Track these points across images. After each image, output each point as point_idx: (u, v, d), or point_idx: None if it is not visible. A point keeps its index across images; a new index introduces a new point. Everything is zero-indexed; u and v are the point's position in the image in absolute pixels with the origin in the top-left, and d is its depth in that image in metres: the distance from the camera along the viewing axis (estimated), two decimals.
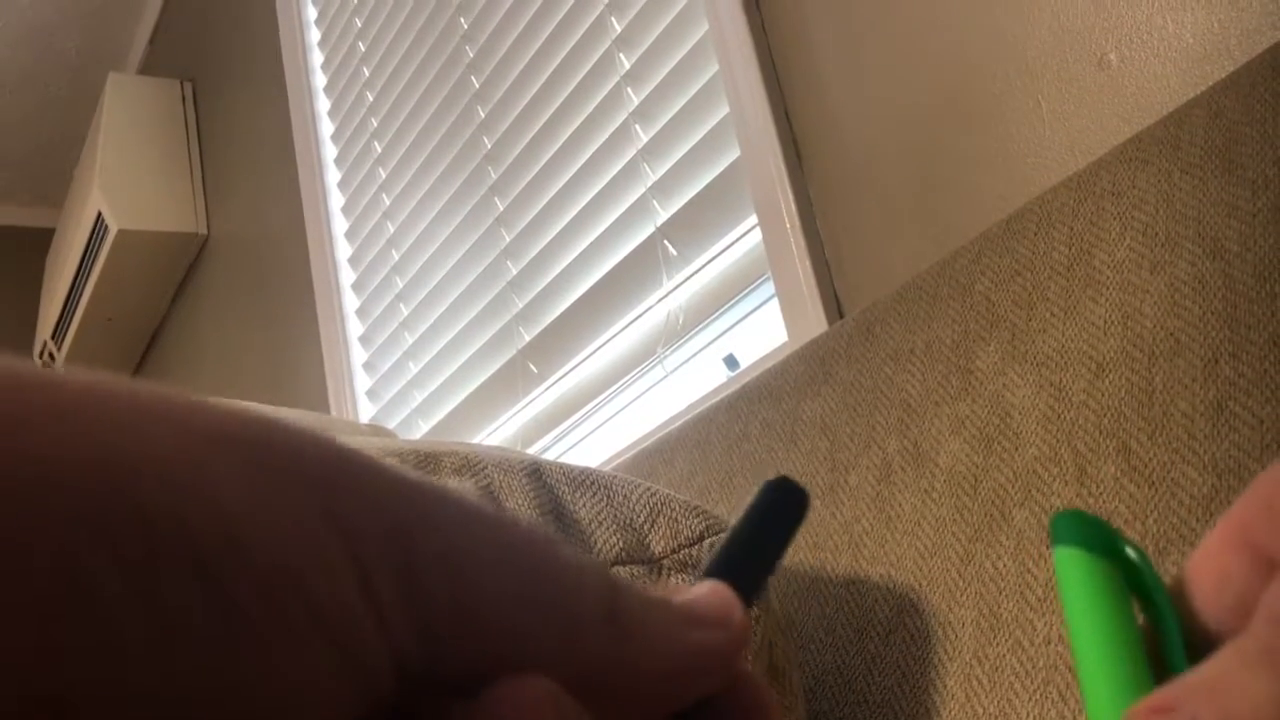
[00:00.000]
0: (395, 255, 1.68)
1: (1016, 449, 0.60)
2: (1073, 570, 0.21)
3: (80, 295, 2.60)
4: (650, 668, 0.17)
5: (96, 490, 0.13)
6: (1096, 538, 0.22)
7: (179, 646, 0.13)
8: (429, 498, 0.16)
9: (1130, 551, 0.22)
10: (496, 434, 1.47)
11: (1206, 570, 0.21)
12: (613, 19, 1.25)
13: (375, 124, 1.75)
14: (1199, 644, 0.21)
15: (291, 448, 0.15)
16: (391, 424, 1.68)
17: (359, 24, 1.81)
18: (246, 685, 0.13)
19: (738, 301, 1.10)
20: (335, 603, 0.14)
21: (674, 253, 1.16)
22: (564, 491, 0.59)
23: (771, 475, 0.22)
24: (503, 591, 0.16)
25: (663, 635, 0.18)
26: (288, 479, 0.15)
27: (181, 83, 2.58)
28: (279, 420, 0.16)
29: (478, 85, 1.49)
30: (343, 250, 1.85)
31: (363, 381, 1.78)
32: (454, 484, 0.56)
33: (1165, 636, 0.21)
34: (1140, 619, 0.21)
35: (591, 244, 1.27)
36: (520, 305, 1.39)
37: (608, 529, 0.58)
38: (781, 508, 0.22)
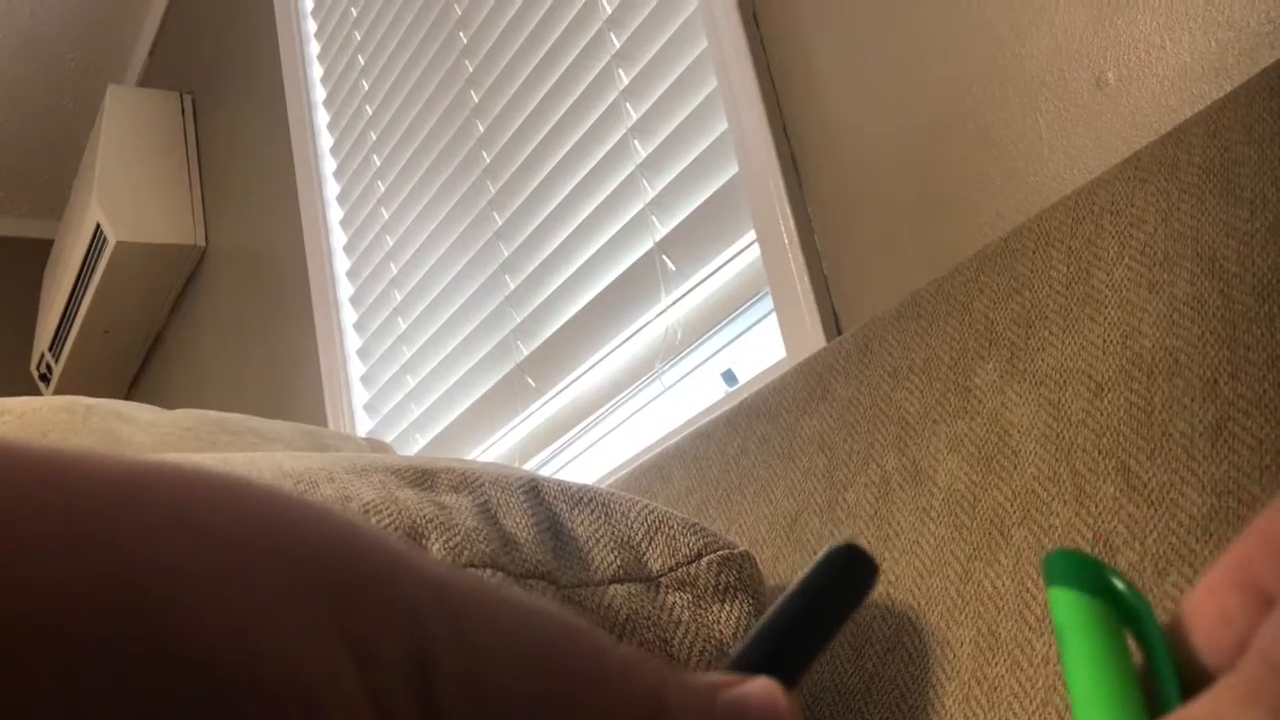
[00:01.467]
0: (393, 269, 1.68)
1: (1015, 468, 0.60)
2: (1068, 612, 0.21)
3: (78, 307, 2.60)
4: None
5: (103, 621, 0.12)
6: (1091, 578, 0.21)
7: None
8: (454, 602, 0.15)
9: (1125, 590, 0.21)
10: (494, 448, 1.47)
11: (1207, 609, 0.21)
12: (612, 34, 1.25)
13: (374, 137, 1.75)
14: (1197, 685, 0.20)
15: (316, 556, 0.14)
16: (389, 437, 1.67)
17: (359, 37, 1.82)
18: None
19: (736, 317, 1.10)
20: None
21: (672, 268, 1.16)
22: (562, 509, 0.59)
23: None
24: (533, 696, 0.15)
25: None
26: (310, 597, 0.14)
27: (181, 95, 2.58)
28: (305, 513, 0.15)
29: (476, 99, 1.49)
30: (341, 263, 1.85)
31: (360, 395, 1.78)
32: (452, 501, 0.56)
33: (1160, 677, 0.21)
34: (1137, 657, 0.21)
35: (590, 259, 1.27)
36: (518, 319, 1.39)
37: (605, 546, 0.58)
38: (846, 579, 0.20)
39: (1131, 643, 0.21)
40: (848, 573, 0.20)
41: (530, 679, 0.15)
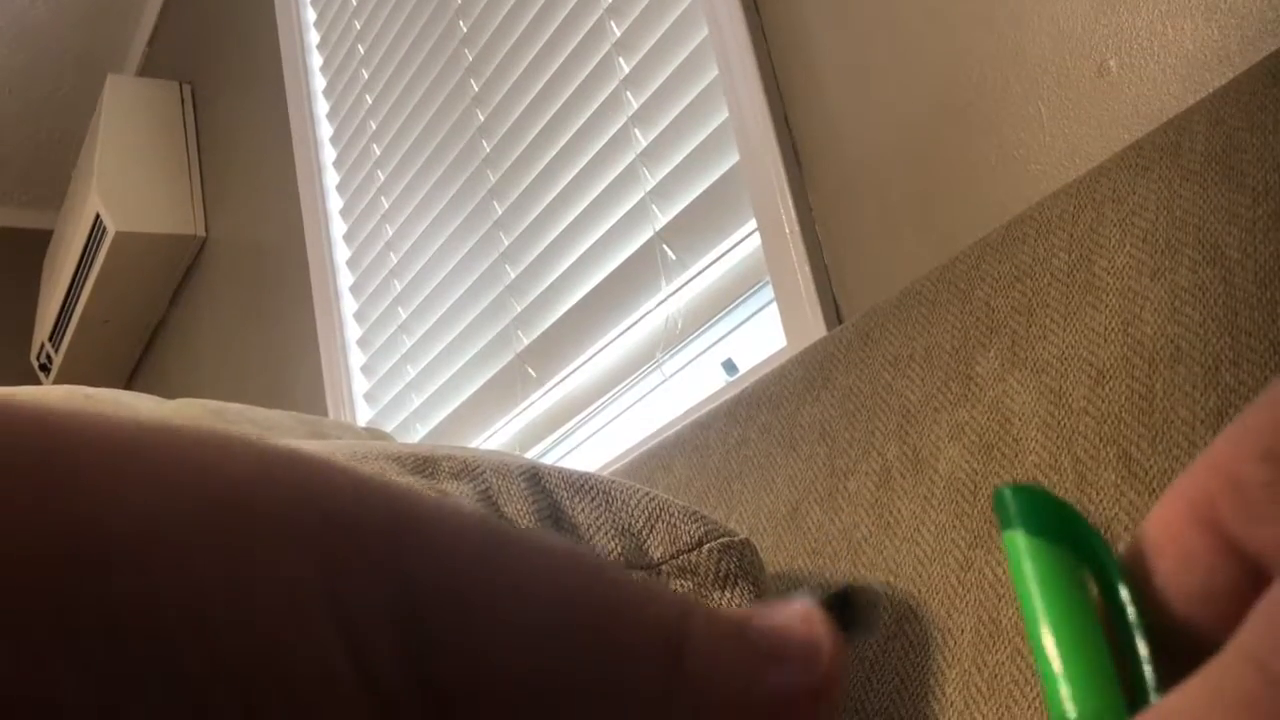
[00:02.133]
0: (394, 258, 1.68)
1: (1016, 455, 0.60)
2: (1028, 560, 0.20)
3: (78, 296, 2.60)
4: (714, 716, 0.14)
5: (56, 581, 0.11)
6: (1050, 519, 0.20)
7: None
8: (442, 536, 0.14)
9: (1088, 533, 0.20)
10: (494, 438, 1.47)
11: (1167, 547, 0.20)
12: (612, 23, 1.25)
13: (374, 127, 1.75)
14: (1163, 633, 0.19)
15: (289, 502, 0.13)
16: (389, 427, 1.67)
17: (358, 26, 1.81)
18: None
19: (737, 306, 1.10)
20: (328, 694, 0.13)
21: (673, 257, 1.16)
22: (562, 496, 0.59)
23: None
24: (536, 629, 0.14)
25: (734, 674, 0.15)
26: (282, 549, 0.13)
27: (180, 85, 2.58)
28: (279, 461, 0.14)
29: (477, 88, 1.49)
30: (341, 253, 1.85)
31: (360, 384, 1.77)
32: (453, 488, 0.56)
33: (1125, 627, 0.20)
34: (1095, 594, 0.20)
35: (590, 248, 1.27)
36: (519, 309, 1.39)
37: (606, 534, 0.58)
38: (848, 627, 0.18)
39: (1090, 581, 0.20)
40: (851, 618, 0.19)
41: (532, 610, 0.14)
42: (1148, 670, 0.19)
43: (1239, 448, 0.19)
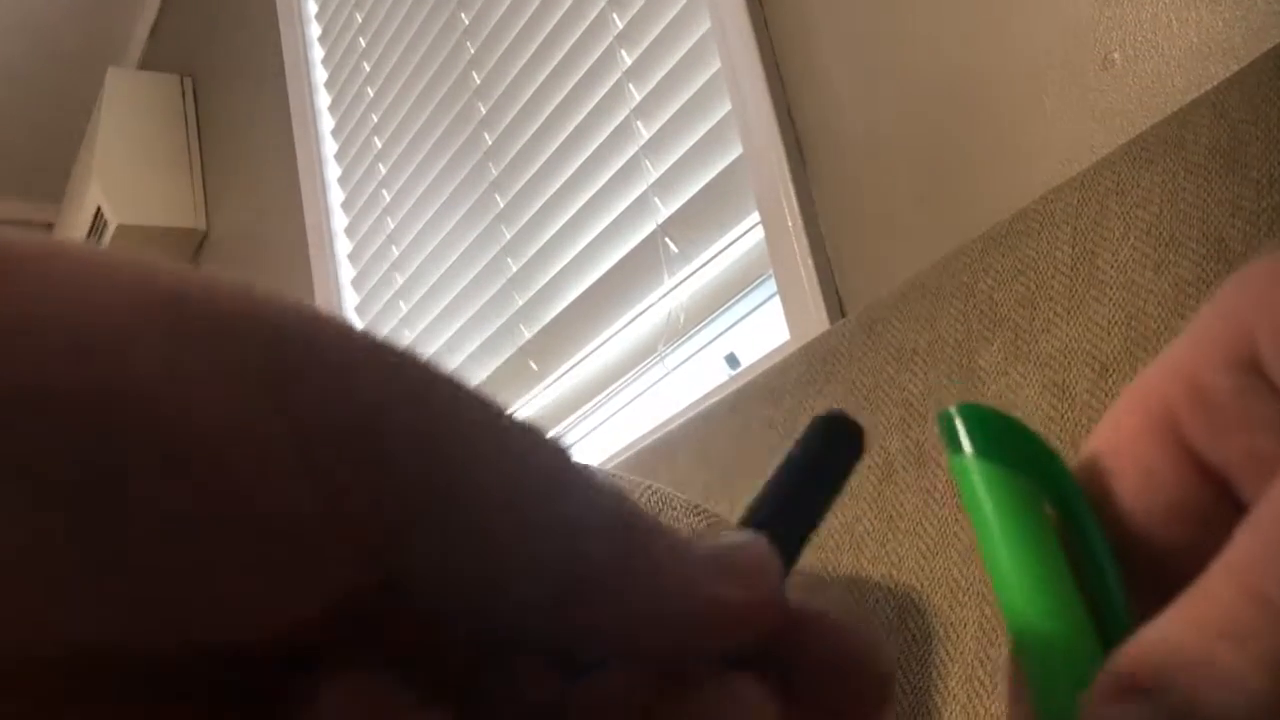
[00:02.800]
0: (395, 251, 1.68)
1: None
2: (979, 486, 0.18)
3: None
4: (649, 611, 0.15)
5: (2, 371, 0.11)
6: (1002, 440, 0.18)
7: (84, 538, 0.11)
8: (409, 376, 0.14)
9: (1040, 451, 0.19)
10: None
11: (1128, 461, 0.18)
12: (614, 15, 1.24)
13: (375, 120, 1.74)
14: (1126, 547, 0.18)
15: (233, 304, 0.13)
16: None
17: (359, 19, 1.81)
18: (180, 592, 0.12)
19: (739, 300, 1.10)
20: (281, 504, 0.13)
21: (675, 250, 1.15)
22: None
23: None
24: (490, 495, 0.14)
25: (676, 579, 0.15)
26: (221, 341, 0.13)
27: (181, 78, 2.57)
28: (229, 284, 0.13)
29: (479, 81, 1.49)
30: (342, 246, 1.85)
31: None
32: None
33: (1088, 549, 0.18)
34: (1054, 519, 0.19)
35: (592, 241, 1.27)
36: (520, 302, 1.39)
37: None
38: (833, 449, 0.19)
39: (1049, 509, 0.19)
40: (833, 441, 0.19)
41: (490, 477, 0.14)
42: (1118, 596, 0.18)
43: (1202, 356, 0.18)
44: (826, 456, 0.19)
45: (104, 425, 0.12)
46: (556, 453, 0.15)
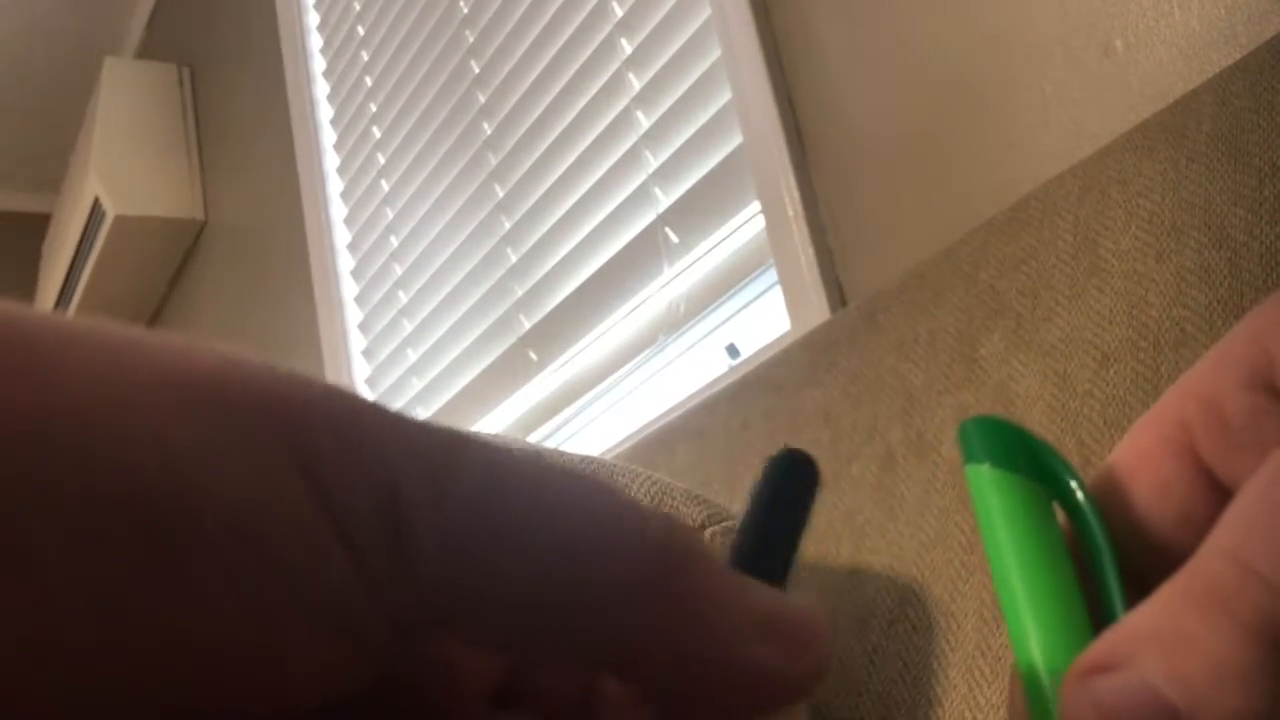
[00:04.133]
0: (394, 242, 1.68)
1: None
2: (994, 494, 0.19)
3: (77, 281, 2.59)
4: (682, 668, 0.14)
5: (36, 440, 0.12)
6: (1016, 450, 0.19)
7: (129, 614, 0.12)
8: (426, 443, 0.14)
9: (1054, 464, 0.19)
10: (496, 422, 1.47)
11: (1143, 475, 0.19)
12: (614, 3, 1.24)
13: (374, 109, 1.74)
14: (1136, 562, 0.18)
15: (261, 384, 0.13)
16: None
17: (357, 8, 1.80)
18: (212, 650, 0.12)
19: (739, 290, 1.10)
20: (313, 569, 0.13)
21: (675, 240, 1.15)
22: None
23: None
24: (521, 549, 0.14)
25: (722, 635, 0.14)
26: (252, 419, 0.13)
27: (179, 67, 2.57)
28: (249, 359, 0.14)
29: (478, 70, 1.48)
30: (341, 236, 1.84)
31: (361, 369, 1.77)
32: None
33: (1096, 559, 0.18)
34: (1063, 524, 0.19)
35: (592, 231, 1.26)
36: (520, 292, 1.39)
37: None
38: (791, 486, 0.19)
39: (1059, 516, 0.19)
40: (790, 479, 0.19)
41: (517, 520, 0.14)
42: (1118, 602, 0.18)
43: (1219, 376, 0.18)
44: (788, 491, 0.19)
45: (146, 506, 0.12)
46: (596, 497, 0.14)
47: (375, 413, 0.14)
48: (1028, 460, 0.19)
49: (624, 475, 0.60)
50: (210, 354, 0.13)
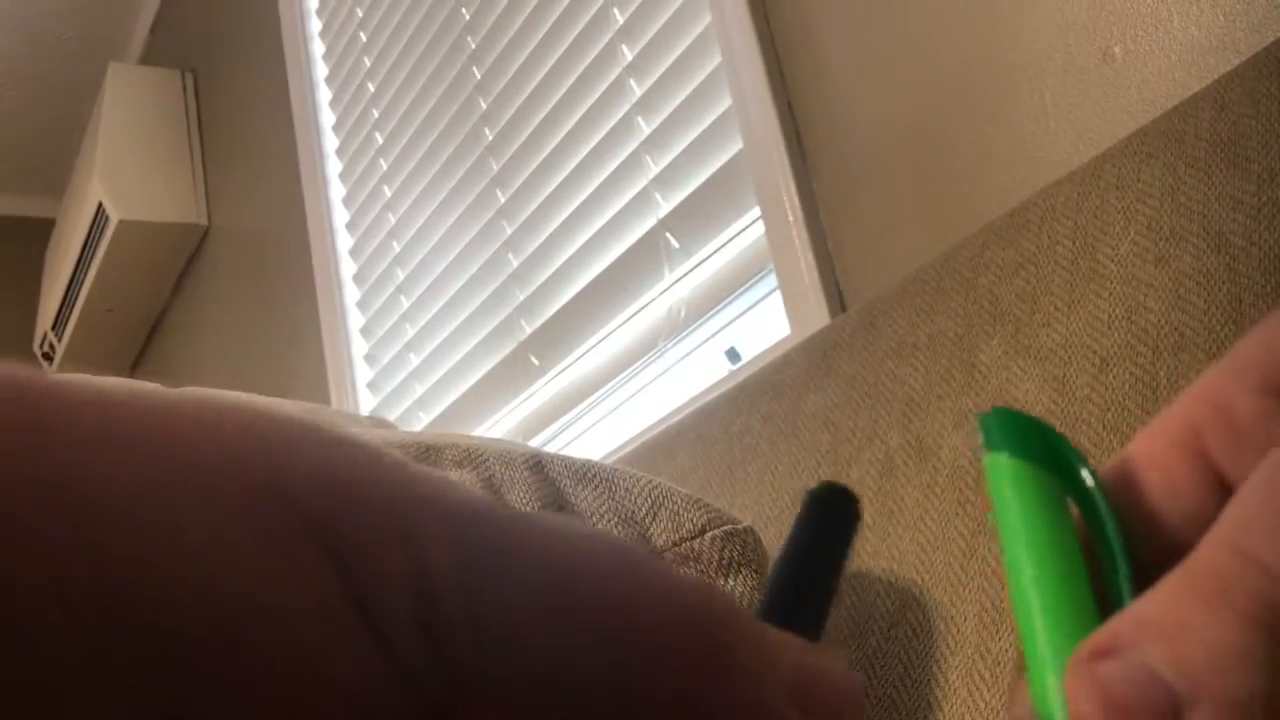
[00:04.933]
0: (396, 247, 1.68)
1: None
2: (1009, 483, 0.19)
3: (81, 286, 2.60)
4: None
5: (52, 532, 0.11)
6: (1034, 442, 0.19)
7: (139, 710, 0.11)
8: (454, 516, 0.14)
9: (1072, 459, 0.19)
10: (498, 426, 1.47)
11: (1151, 475, 0.19)
12: (615, 10, 1.24)
13: (377, 115, 1.74)
14: (1146, 560, 0.18)
15: (290, 471, 0.13)
16: (392, 416, 1.68)
17: (360, 14, 1.81)
18: None
19: (740, 294, 1.10)
20: (338, 661, 0.12)
21: (676, 245, 1.15)
22: (566, 484, 0.59)
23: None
24: (555, 623, 0.13)
25: (757, 704, 0.14)
26: (272, 506, 0.12)
27: (182, 73, 2.57)
28: (277, 430, 0.13)
29: (479, 76, 1.49)
30: (344, 242, 1.85)
31: (364, 373, 1.78)
32: (456, 476, 0.56)
33: (1108, 553, 0.19)
34: (1076, 517, 0.19)
35: (593, 236, 1.27)
36: (522, 297, 1.39)
37: (609, 522, 0.58)
38: (831, 525, 0.19)
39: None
40: (831, 515, 0.19)
41: (549, 600, 0.14)
42: (1128, 596, 0.18)
43: (1231, 380, 0.19)
44: (827, 531, 0.19)
45: (158, 597, 0.11)
46: (629, 565, 0.14)
47: (401, 481, 0.13)
48: (1045, 452, 0.19)
49: (625, 479, 0.61)
50: (236, 427, 0.13)
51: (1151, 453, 0.19)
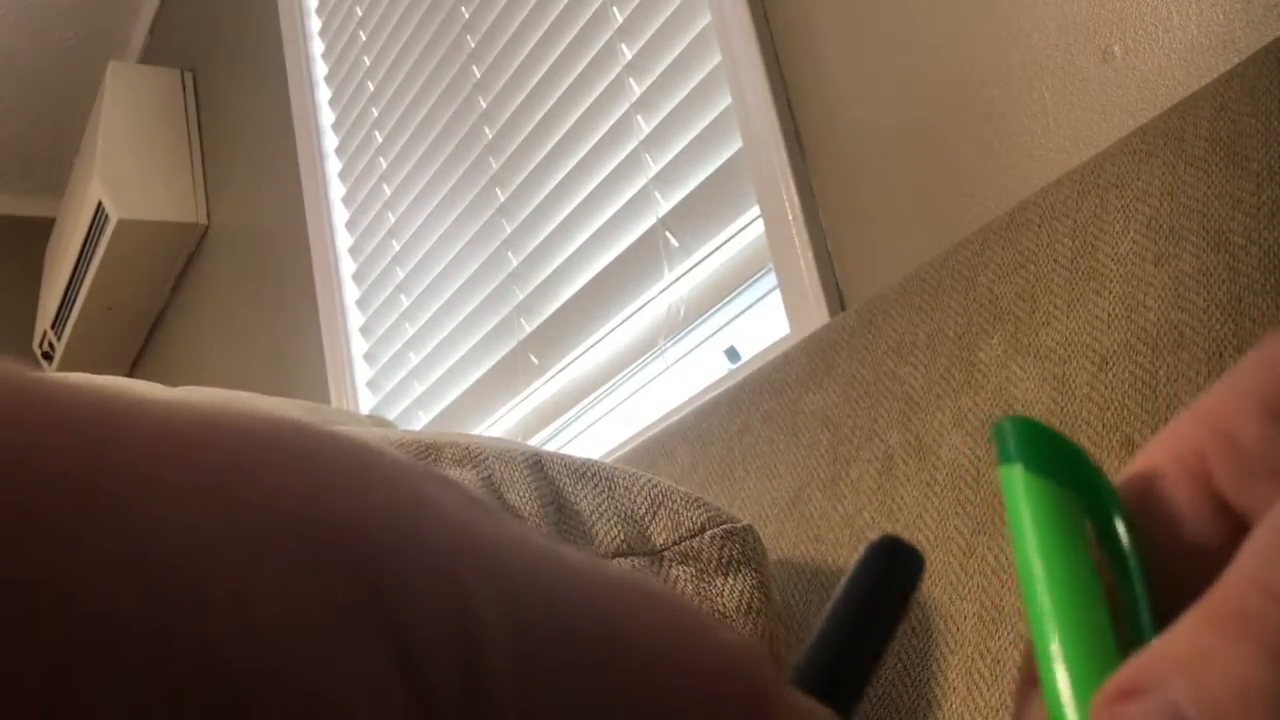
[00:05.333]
0: (396, 246, 1.68)
1: None
2: (1023, 497, 0.19)
3: (80, 285, 2.60)
4: None
5: (101, 606, 0.11)
6: (1054, 457, 0.19)
7: None
8: (500, 565, 0.13)
9: (1093, 476, 0.19)
10: (497, 425, 1.47)
11: (1152, 502, 0.19)
12: (614, 9, 1.24)
13: (376, 114, 1.74)
14: (1156, 588, 0.18)
15: (341, 525, 0.13)
16: (392, 415, 1.68)
17: (360, 13, 1.81)
18: None
19: (739, 293, 1.10)
20: (379, 707, 0.12)
21: (675, 244, 1.15)
22: (565, 483, 0.59)
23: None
24: (596, 675, 0.13)
25: None
26: (331, 563, 0.12)
27: (182, 72, 2.57)
28: (316, 462, 0.13)
29: (479, 75, 1.48)
30: (343, 240, 1.85)
31: (363, 372, 1.78)
32: (455, 476, 0.56)
33: (1128, 582, 0.18)
34: (1091, 537, 0.19)
35: (593, 235, 1.27)
36: (521, 296, 1.39)
37: (609, 520, 0.58)
38: (891, 581, 0.18)
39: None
40: (891, 569, 0.18)
41: (593, 655, 0.14)
42: (1146, 617, 0.18)
43: (1235, 404, 0.18)
44: (886, 590, 0.18)
45: (229, 695, 0.11)
46: (672, 617, 0.14)
47: (448, 525, 0.13)
48: (1062, 465, 0.19)
49: (624, 478, 0.61)
50: (267, 456, 0.13)
51: (1153, 476, 0.19)
